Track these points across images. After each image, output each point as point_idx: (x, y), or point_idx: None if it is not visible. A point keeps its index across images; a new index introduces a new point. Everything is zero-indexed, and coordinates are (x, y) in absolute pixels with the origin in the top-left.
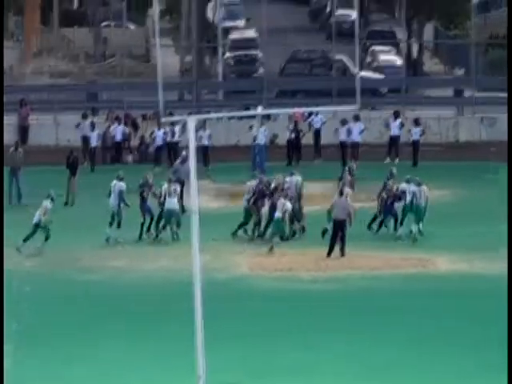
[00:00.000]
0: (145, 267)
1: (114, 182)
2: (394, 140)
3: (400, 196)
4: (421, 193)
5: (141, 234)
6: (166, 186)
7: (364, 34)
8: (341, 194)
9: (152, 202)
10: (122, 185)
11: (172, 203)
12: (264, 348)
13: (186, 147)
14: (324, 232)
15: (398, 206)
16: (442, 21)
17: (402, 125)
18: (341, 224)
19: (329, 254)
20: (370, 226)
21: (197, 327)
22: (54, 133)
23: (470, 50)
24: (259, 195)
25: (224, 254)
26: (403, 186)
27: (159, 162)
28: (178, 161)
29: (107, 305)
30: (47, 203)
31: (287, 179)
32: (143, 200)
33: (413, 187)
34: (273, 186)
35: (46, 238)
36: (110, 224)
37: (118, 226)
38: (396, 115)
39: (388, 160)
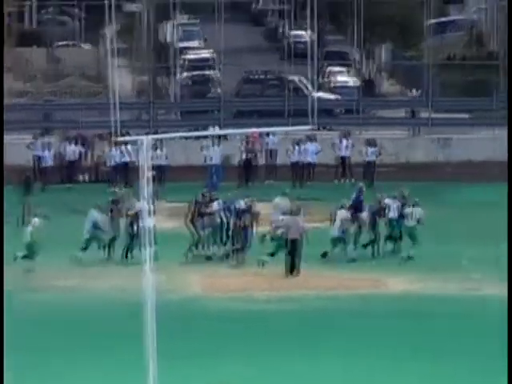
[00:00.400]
0: (97, 286)
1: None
2: (343, 160)
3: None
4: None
5: (126, 254)
6: (139, 204)
7: (319, 54)
8: (294, 213)
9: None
10: (97, 215)
11: (149, 222)
12: (216, 368)
13: (142, 167)
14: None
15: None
16: (397, 42)
17: (351, 145)
18: (295, 243)
19: (291, 272)
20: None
21: (148, 347)
22: (8, 152)
23: (425, 72)
24: (197, 213)
25: (178, 274)
26: (387, 201)
27: (114, 182)
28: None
29: (54, 323)
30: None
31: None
32: (112, 219)
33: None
34: (242, 206)
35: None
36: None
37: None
38: (345, 136)
39: (339, 181)
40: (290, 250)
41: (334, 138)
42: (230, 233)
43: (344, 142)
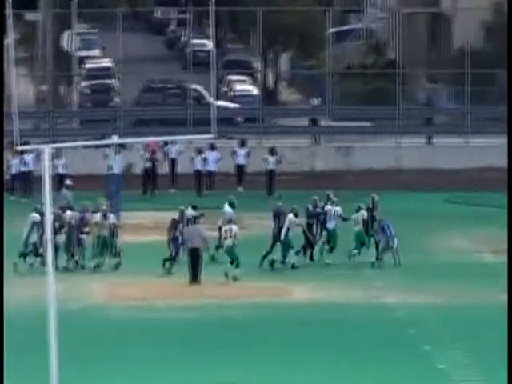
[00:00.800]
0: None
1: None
2: (240, 168)
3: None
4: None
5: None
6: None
7: (220, 63)
8: (194, 221)
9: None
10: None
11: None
12: (115, 377)
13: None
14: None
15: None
16: (298, 51)
17: (247, 153)
18: (196, 251)
19: (194, 280)
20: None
21: (52, 356)
22: None
23: (326, 80)
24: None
25: (79, 283)
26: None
27: (14, 191)
28: (64, 188)
29: None
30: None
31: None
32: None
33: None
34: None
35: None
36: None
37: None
38: (242, 144)
39: (241, 189)
40: (192, 259)
41: (234, 147)
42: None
43: (241, 150)
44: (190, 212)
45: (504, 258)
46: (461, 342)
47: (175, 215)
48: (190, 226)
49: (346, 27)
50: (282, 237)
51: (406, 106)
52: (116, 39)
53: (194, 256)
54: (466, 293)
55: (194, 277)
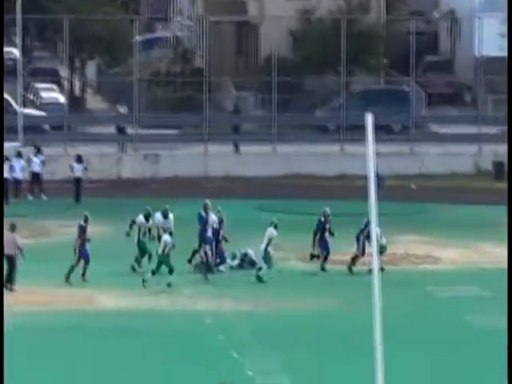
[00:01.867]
0: None
1: None
2: (35, 176)
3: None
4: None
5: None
6: None
7: (26, 71)
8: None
9: None
10: None
11: None
12: None
13: None
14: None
15: None
16: (105, 59)
17: (43, 162)
18: (11, 259)
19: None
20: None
21: None
22: None
23: (132, 88)
24: None
25: None
26: None
27: None
28: None
29: None
30: None
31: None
32: None
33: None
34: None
35: None
36: None
37: None
38: (38, 151)
39: (44, 197)
40: (8, 266)
41: (30, 154)
42: None
43: (36, 158)
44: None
45: (310, 266)
46: (269, 350)
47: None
48: (8, 234)
49: (152, 35)
50: (263, 251)
51: (214, 114)
52: None
53: (10, 263)
54: (272, 301)
55: (10, 282)
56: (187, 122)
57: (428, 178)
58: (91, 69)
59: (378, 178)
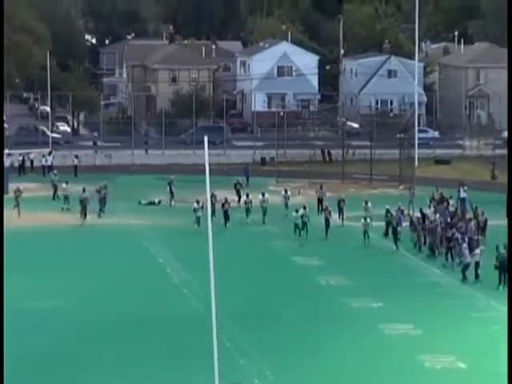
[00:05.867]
0: None
1: None
2: (51, 165)
3: None
4: None
5: None
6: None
7: (53, 117)
8: None
9: None
10: None
11: None
12: None
13: None
14: None
15: None
16: (88, 112)
17: (53, 157)
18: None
19: None
20: None
21: None
22: None
23: (100, 124)
24: None
25: None
26: None
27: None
28: None
29: None
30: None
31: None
32: None
33: None
34: None
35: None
36: None
37: None
38: (49, 153)
39: (50, 174)
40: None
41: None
42: None
43: (49, 156)
44: None
45: None
46: None
47: None
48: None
49: (109, 101)
50: None
51: (136, 136)
52: None
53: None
54: None
55: None
56: (124, 139)
57: None
58: (82, 116)
59: None
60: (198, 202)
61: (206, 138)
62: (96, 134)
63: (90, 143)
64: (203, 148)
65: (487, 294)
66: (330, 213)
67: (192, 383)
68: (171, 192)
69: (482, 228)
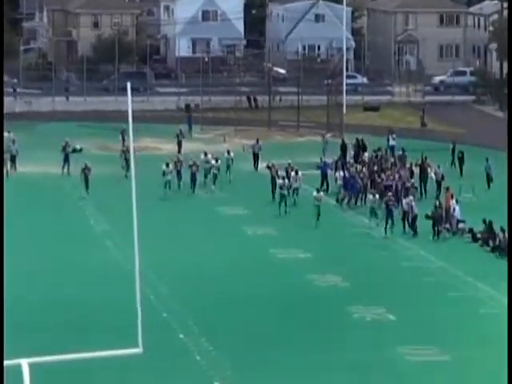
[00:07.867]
0: None
1: None
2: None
3: None
4: None
5: None
6: None
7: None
8: None
9: None
10: None
11: None
12: None
13: None
14: None
15: None
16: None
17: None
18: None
19: None
20: None
21: None
22: None
23: (19, 70)
24: None
25: None
26: None
27: None
28: None
29: None
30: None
31: None
32: None
33: None
34: None
35: None
36: None
37: None
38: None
39: None
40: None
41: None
42: None
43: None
44: None
45: None
46: None
47: None
48: None
49: (29, 46)
50: None
51: (57, 82)
52: None
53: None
54: None
55: None
56: (45, 86)
57: None
58: None
59: None
60: (167, 164)
61: (128, 85)
62: (15, 80)
63: (10, 89)
64: (126, 94)
65: (419, 244)
66: (276, 171)
67: None
68: (123, 141)
69: (413, 176)
